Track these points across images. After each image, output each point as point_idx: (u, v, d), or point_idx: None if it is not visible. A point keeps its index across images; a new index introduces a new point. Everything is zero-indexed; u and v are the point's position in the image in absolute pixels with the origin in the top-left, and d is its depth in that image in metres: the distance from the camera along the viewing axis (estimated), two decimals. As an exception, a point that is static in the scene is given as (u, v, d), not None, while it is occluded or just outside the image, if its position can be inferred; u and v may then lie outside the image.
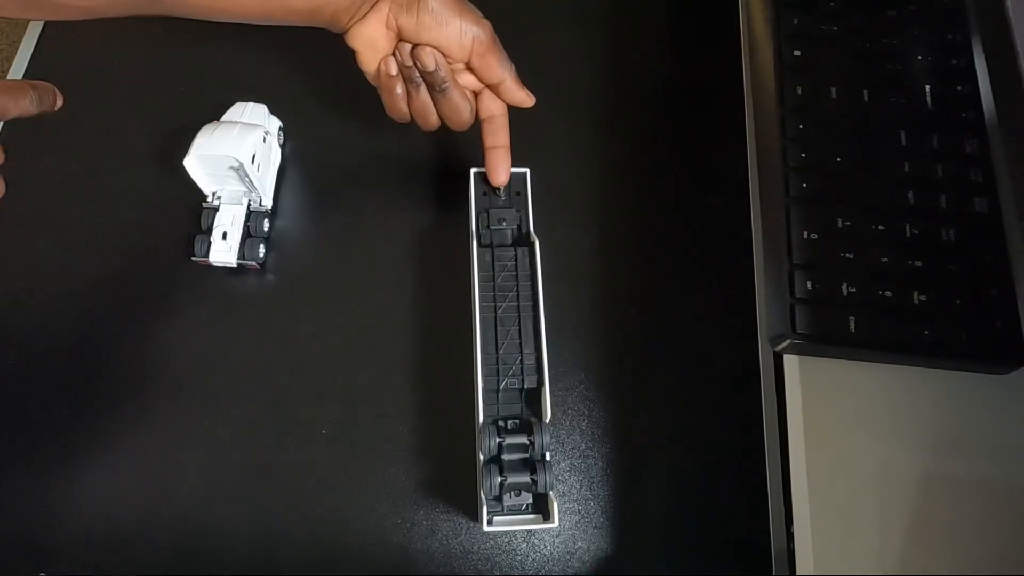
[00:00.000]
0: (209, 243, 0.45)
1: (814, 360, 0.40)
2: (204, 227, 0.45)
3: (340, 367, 0.44)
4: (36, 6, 0.35)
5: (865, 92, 0.45)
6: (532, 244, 0.41)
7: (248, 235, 0.46)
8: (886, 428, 0.39)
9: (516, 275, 0.40)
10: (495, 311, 0.39)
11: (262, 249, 0.46)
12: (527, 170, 0.44)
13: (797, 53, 0.46)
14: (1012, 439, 0.39)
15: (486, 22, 0.39)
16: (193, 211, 0.46)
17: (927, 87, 0.45)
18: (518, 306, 0.40)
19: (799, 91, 0.45)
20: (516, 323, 0.39)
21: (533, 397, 0.39)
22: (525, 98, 0.41)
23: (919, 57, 0.46)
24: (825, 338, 0.39)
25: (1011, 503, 0.37)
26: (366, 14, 0.38)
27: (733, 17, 0.52)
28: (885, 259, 0.40)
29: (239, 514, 0.41)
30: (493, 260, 0.40)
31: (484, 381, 0.38)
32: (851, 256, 0.40)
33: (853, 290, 0.39)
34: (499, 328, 0.39)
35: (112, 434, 0.42)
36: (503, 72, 0.40)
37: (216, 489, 0.41)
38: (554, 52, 0.53)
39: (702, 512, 0.41)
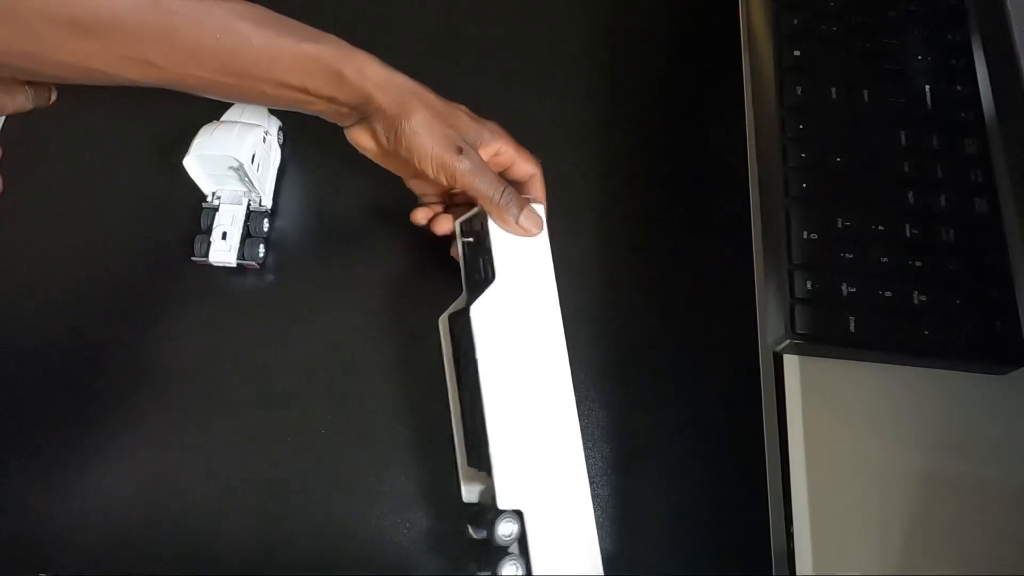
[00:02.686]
0: (209, 243, 0.45)
1: (814, 360, 0.40)
2: (204, 227, 0.45)
3: (340, 367, 0.44)
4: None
5: (865, 92, 0.45)
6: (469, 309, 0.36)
7: (248, 235, 0.46)
8: (886, 428, 0.39)
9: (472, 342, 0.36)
10: (459, 383, 0.38)
11: (262, 249, 0.46)
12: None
13: (797, 53, 0.46)
14: (1012, 439, 0.39)
15: (462, 160, 0.38)
16: (193, 211, 0.46)
17: (927, 87, 0.45)
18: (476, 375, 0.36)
19: (799, 91, 0.45)
20: (479, 397, 0.36)
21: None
22: (515, 227, 0.38)
23: (919, 57, 0.46)
24: (825, 338, 0.39)
25: (1011, 503, 0.37)
26: (353, 124, 0.39)
27: (733, 17, 0.52)
28: (885, 259, 0.40)
29: (239, 514, 0.41)
30: (452, 328, 0.39)
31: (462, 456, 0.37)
32: (851, 256, 0.40)
33: (853, 290, 0.39)
34: (463, 405, 0.38)
35: (112, 434, 0.42)
36: (485, 194, 0.38)
37: (216, 489, 0.41)
38: (554, 52, 0.53)
39: (702, 512, 0.41)
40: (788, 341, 0.39)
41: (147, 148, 0.49)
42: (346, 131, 0.40)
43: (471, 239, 0.41)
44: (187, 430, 0.42)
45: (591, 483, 0.42)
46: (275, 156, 0.48)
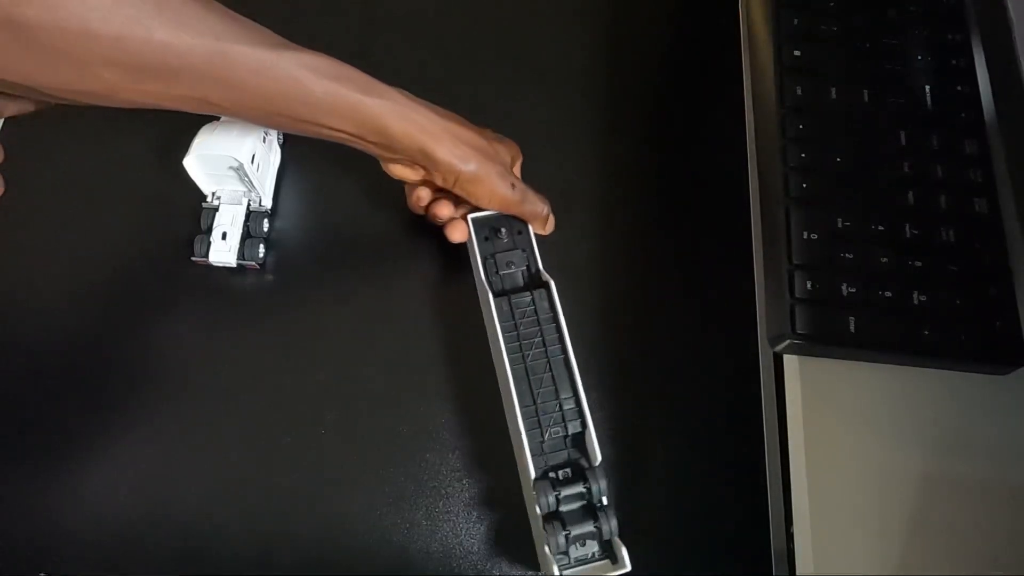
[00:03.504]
0: (209, 243, 0.45)
1: (814, 360, 0.40)
2: (204, 227, 0.45)
3: (340, 367, 0.44)
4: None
5: (865, 92, 0.45)
6: (547, 284, 0.40)
7: (248, 235, 0.46)
8: (886, 428, 0.39)
9: (538, 320, 0.39)
10: (524, 361, 0.39)
11: (262, 249, 0.46)
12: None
13: (797, 53, 0.46)
14: (1012, 439, 0.39)
15: (515, 192, 0.41)
16: (193, 211, 0.46)
17: (927, 87, 0.45)
18: (545, 351, 0.39)
19: (799, 91, 0.45)
20: (547, 369, 0.39)
21: (578, 440, 0.38)
22: (546, 231, 0.44)
23: (919, 57, 0.46)
24: (825, 338, 0.39)
25: (1011, 503, 0.37)
26: (398, 161, 0.41)
27: (733, 17, 0.52)
28: (885, 259, 0.40)
29: (239, 514, 0.41)
30: (511, 308, 0.40)
31: (528, 434, 0.37)
32: (851, 256, 0.40)
33: (853, 290, 0.39)
34: (531, 377, 0.38)
35: (112, 433, 0.42)
36: (537, 214, 0.43)
37: (216, 489, 0.41)
38: (554, 52, 0.53)
39: (702, 512, 0.41)
40: (788, 341, 0.39)
41: (147, 148, 0.49)
42: (386, 164, 0.41)
43: (486, 235, 0.42)
44: (187, 430, 0.42)
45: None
46: (275, 156, 0.48)
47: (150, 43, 0.30)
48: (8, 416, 0.43)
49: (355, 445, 0.42)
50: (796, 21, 0.47)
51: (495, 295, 0.40)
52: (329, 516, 0.41)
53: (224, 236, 0.45)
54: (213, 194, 0.46)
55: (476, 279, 0.43)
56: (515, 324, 0.39)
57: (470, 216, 0.43)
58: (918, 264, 0.40)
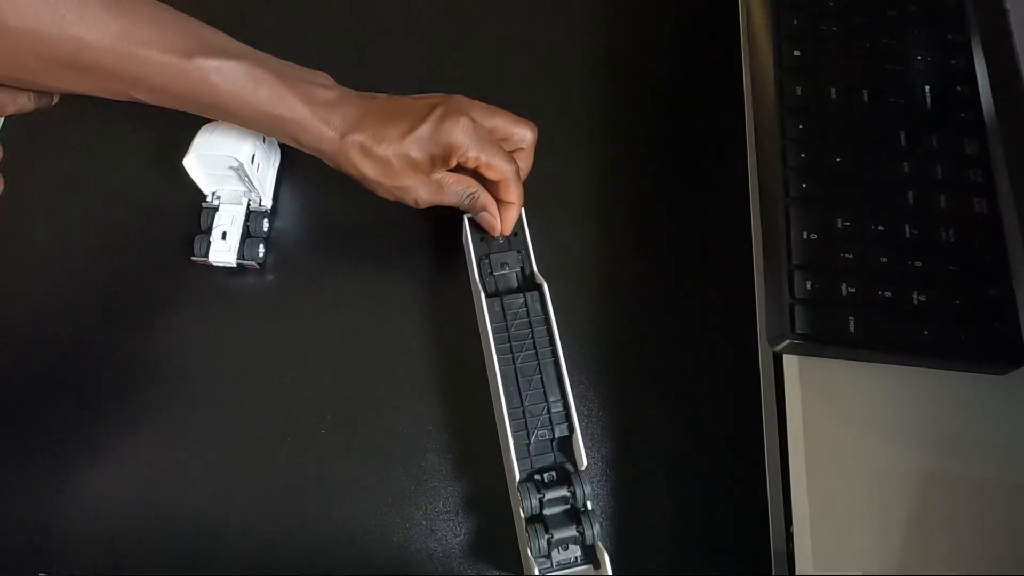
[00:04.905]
0: (209, 243, 0.45)
1: (814, 360, 0.40)
2: (204, 227, 0.45)
3: (340, 367, 0.44)
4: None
5: (865, 92, 0.45)
6: (540, 287, 0.40)
7: (248, 235, 0.46)
8: (886, 428, 0.39)
9: (529, 322, 0.39)
10: (514, 362, 0.39)
11: (262, 249, 0.46)
12: (522, 209, 0.42)
13: (797, 53, 0.46)
14: (1012, 439, 0.39)
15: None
16: (193, 211, 0.46)
17: (927, 87, 0.45)
18: (536, 353, 0.39)
19: (799, 91, 0.45)
20: (537, 371, 0.39)
21: (565, 444, 0.38)
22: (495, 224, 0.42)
23: (919, 57, 0.46)
24: (825, 338, 0.39)
25: (1011, 503, 0.37)
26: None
27: (733, 17, 0.52)
28: (885, 259, 0.40)
29: (239, 514, 0.41)
30: (503, 309, 0.40)
31: (514, 436, 0.37)
32: (851, 256, 0.40)
33: (853, 290, 0.39)
34: (520, 379, 0.38)
35: (112, 434, 0.42)
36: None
37: (216, 489, 0.41)
38: (553, 52, 0.53)
39: (701, 512, 0.41)
40: (788, 341, 0.39)
41: (147, 148, 0.49)
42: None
43: (481, 236, 0.43)
44: (187, 430, 0.42)
45: (591, 483, 0.42)
46: (275, 156, 0.48)
47: (63, 39, 0.32)
48: (8, 416, 0.43)
49: (355, 445, 0.42)
50: (796, 21, 0.47)
51: (488, 295, 0.40)
52: (329, 516, 0.41)
53: (224, 236, 0.45)
54: (213, 194, 0.46)
55: (471, 279, 0.43)
56: (506, 325, 0.39)
57: (466, 216, 0.43)
58: (918, 264, 0.40)
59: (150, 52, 0.34)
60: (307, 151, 0.40)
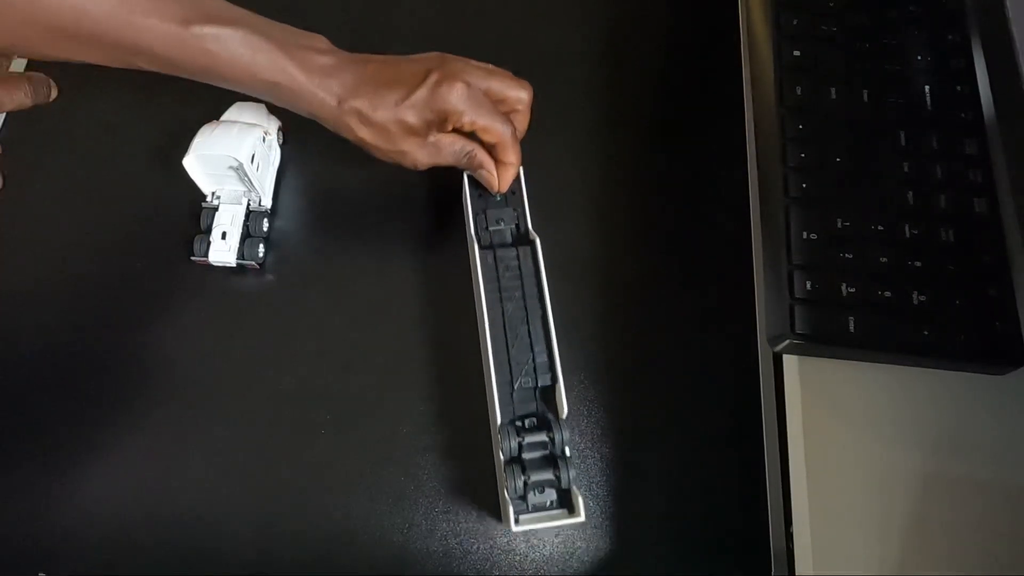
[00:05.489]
0: (208, 243, 0.45)
1: (814, 360, 0.40)
2: (203, 227, 0.45)
3: (340, 367, 0.44)
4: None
5: (865, 92, 0.45)
6: (533, 242, 0.41)
7: (247, 235, 0.46)
8: (886, 428, 0.39)
9: (520, 275, 0.40)
10: (503, 312, 0.39)
11: (261, 249, 0.46)
12: (519, 168, 0.43)
13: (797, 53, 0.46)
14: (1012, 439, 0.39)
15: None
16: (193, 211, 0.46)
17: (927, 87, 0.45)
18: (525, 305, 0.40)
19: (799, 91, 0.45)
20: (524, 322, 0.39)
21: (548, 394, 0.39)
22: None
23: (919, 57, 0.46)
24: (825, 338, 0.39)
25: (1011, 503, 0.37)
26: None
27: (733, 17, 0.52)
28: (885, 259, 0.40)
29: (239, 514, 0.41)
30: (496, 261, 0.40)
31: (498, 382, 0.38)
32: (851, 256, 0.40)
33: (853, 290, 0.39)
34: (508, 329, 0.39)
35: (112, 434, 0.42)
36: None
37: (216, 489, 0.41)
38: (554, 51, 0.53)
39: (701, 512, 0.41)
40: (788, 341, 0.39)
41: (147, 148, 0.49)
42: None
43: (479, 192, 0.43)
44: (187, 430, 0.42)
45: (592, 483, 0.42)
46: (275, 156, 0.48)
47: (63, 8, 0.32)
48: (8, 416, 0.43)
49: (355, 445, 0.42)
50: (796, 21, 0.47)
51: (482, 248, 0.41)
52: (329, 516, 0.41)
53: (224, 236, 0.45)
54: (213, 194, 0.46)
55: (467, 233, 0.44)
56: (497, 276, 0.40)
57: (466, 173, 0.43)
58: (918, 264, 0.40)
59: (149, 20, 0.34)
60: (305, 116, 0.40)
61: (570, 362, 0.44)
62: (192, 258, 0.45)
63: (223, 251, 0.45)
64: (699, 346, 0.45)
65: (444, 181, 0.48)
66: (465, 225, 0.44)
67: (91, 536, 0.40)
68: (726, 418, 0.43)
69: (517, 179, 0.43)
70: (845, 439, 0.38)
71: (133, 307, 0.45)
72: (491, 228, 0.42)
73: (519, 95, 0.41)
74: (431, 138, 0.40)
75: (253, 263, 0.45)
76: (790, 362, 0.40)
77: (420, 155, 0.40)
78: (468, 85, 0.39)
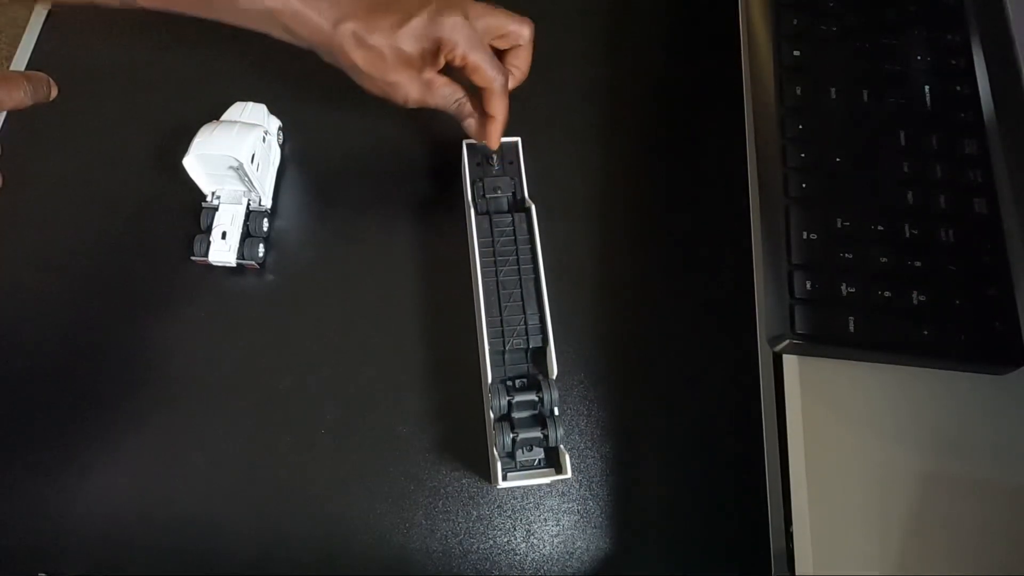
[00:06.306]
0: (208, 243, 0.45)
1: (813, 360, 0.40)
2: (203, 227, 0.45)
3: (340, 367, 0.44)
4: None
5: (864, 92, 0.45)
6: (528, 209, 0.42)
7: (247, 235, 0.46)
8: (886, 428, 0.39)
9: (515, 240, 0.41)
10: (496, 275, 0.40)
11: (261, 248, 0.46)
12: (518, 139, 0.44)
13: (796, 53, 0.46)
14: (1012, 439, 0.39)
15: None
16: (193, 211, 0.46)
17: (926, 87, 0.45)
18: (518, 269, 0.40)
19: (799, 91, 0.45)
20: (518, 286, 0.40)
21: (539, 357, 0.40)
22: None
23: (919, 57, 0.46)
24: (824, 338, 0.39)
25: (1011, 503, 0.37)
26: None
27: (733, 17, 0.52)
28: (884, 259, 0.40)
29: (239, 514, 0.41)
30: (491, 226, 0.41)
31: (490, 343, 0.39)
32: (851, 256, 0.40)
33: (852, 290, 0.39)
34: (501, 291, 0.40)
35: (112, 434, 0.42)
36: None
37: (216, 489, 0.41)
38: (554, 51, 0.53)
39: (701, 512, 0.41)
40: (788, 341, 0.39)
41: (147, 148, 0.49)
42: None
43: (478, 161, 0.44)
44: (187, 430, 0.42)
45: (592, 483, 0.42)
46: (275, 156, 0.48)
47: None
48: (7, 416, 0.43)
49: (355, 445, 0.42)
50: (796, 21, 0.47)
51: (478, 214, 0.42)
52: (329, 516, 0.41)
53: (224, 235, 0.45)
54: (213, 194, 0.46)
55: (464, 200, 0.44)
56: (492, 241, 0.41)
57: (465, 142, 0.44)
58: (918, 264, 0.40)
59: None
60: (301, 45, 0.39)
61: (571, 361, 0.44)
62: (192, 258, 0.45)
63: (223, 251, 0.45)
64: (699, 346, 0.45)
65: (444, 181, 0.49)
66: (463, 196, 0.45)
67: (91, 536, 0.40)
68: (726, 418, 0.43)
69: (515, 149, 0.44)
70: (845, 439, 0.38)
71: (133, 307, 0.45)
72: (488, 196, 0.43)
73: (520, 30, 0.41)
74: (425, 74, 0.40)
75: (253, 263, 0.45)
76: (790, 362, 0.40)
77: (411, 89, 0.40)
78: (467, 18, 0.38)
